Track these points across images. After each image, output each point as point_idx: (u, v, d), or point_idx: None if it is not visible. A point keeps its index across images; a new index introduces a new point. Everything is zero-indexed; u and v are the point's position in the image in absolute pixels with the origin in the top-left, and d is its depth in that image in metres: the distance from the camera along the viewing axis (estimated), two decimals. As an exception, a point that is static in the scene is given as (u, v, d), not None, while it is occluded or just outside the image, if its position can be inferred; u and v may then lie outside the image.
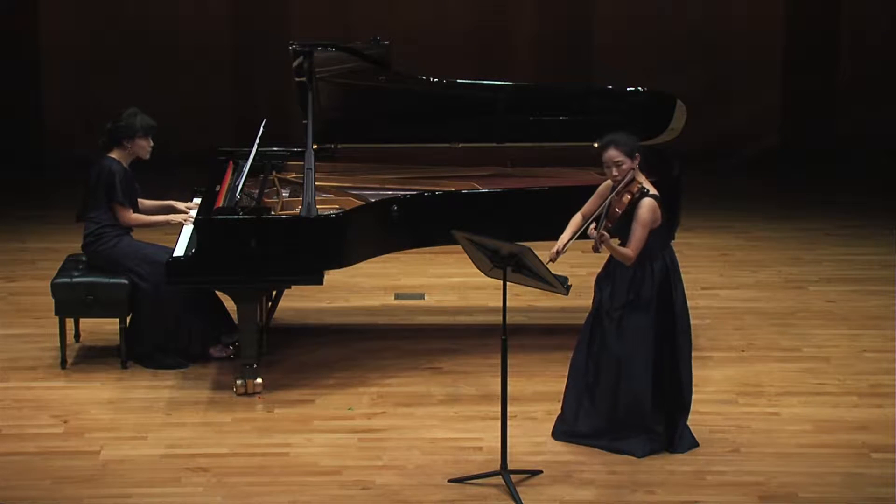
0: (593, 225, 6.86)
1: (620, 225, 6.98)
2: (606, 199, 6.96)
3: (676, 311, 7.09)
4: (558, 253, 7.06)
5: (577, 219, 7.22)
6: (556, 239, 7.23)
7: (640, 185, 6.97)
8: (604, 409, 7.16)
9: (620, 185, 6.94)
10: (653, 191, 6.99)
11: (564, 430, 7.29)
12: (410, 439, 7.36)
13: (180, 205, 8.58)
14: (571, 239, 7.11)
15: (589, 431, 7.20)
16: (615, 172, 6.97)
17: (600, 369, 7.14)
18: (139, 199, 8.41)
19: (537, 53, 12.98)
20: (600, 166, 7.22)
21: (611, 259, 7.15)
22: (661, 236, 7.06)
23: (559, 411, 7.35)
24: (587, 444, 7.20)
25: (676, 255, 7.21)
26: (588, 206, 7.22)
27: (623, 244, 6.97)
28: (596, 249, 6.89)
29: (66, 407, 7.75)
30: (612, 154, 6.96)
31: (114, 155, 8.25)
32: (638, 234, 6.93)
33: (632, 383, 7.07)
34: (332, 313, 9.28)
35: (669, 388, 7.15)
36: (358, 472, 6.99)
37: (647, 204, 6.94)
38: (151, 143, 8.29)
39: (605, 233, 6.86)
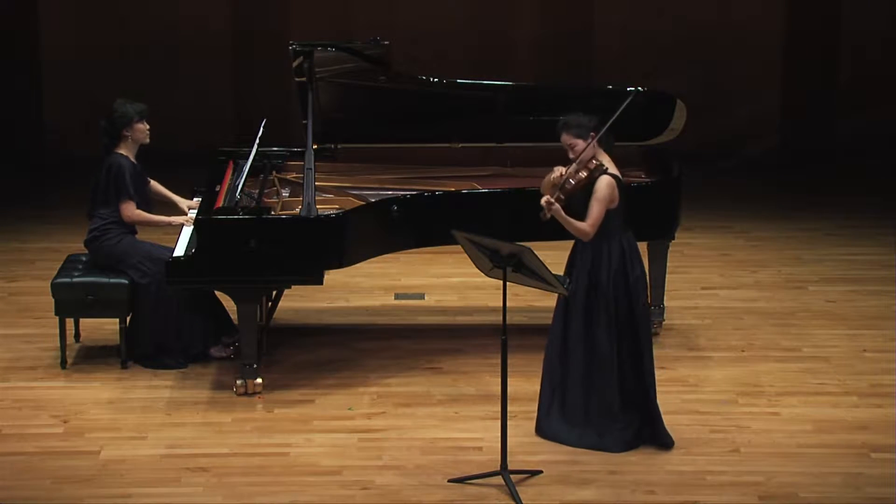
0: (546, 197, 6.91)
1: (579, 201, 7.01)
2: (563, 173, 6.99)
3: (632, 299, 7.12)
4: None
5: None
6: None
7: (598, 163, 7.03)
8: (575, 401, 7.17)
9: (576, 163, 6.98)
10: (613, 170, 7.08)
11: (543, 425, 7.29)
12: (410, 439, 7.36)
13: (183, 203, 8.60)
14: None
15: (562, 424, 7.20)
16: (572, 155, 7.08)
17: (570, 360, 7.17)
18: (151, 181, 8.46)
19: (537, 53, 12.98)
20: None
21: (573, 252, 7.20)
22: (618, 218, 7.10)
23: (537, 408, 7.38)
24: (562, 438, 7.19)
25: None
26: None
27: (580, 217, 7.03)
28: (543, 216, 6.93)
29: (66, 407, 7.75)
30: (565, 138, 7.12)
31: (121, 150, 8.27)
32: (595, 209, 7.00)
33: (601, 374, 7.09)
34: (332, 313, 9.28)
35: (633, 377, 7.15)
36: (358, 472, 6.99)
37: (605, 181, 7.02)
38: (147, 126, 8.30)
39: (555, 202, 6.92)
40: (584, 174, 6.99)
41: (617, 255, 7.10)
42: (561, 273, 7.14)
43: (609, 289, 7.08)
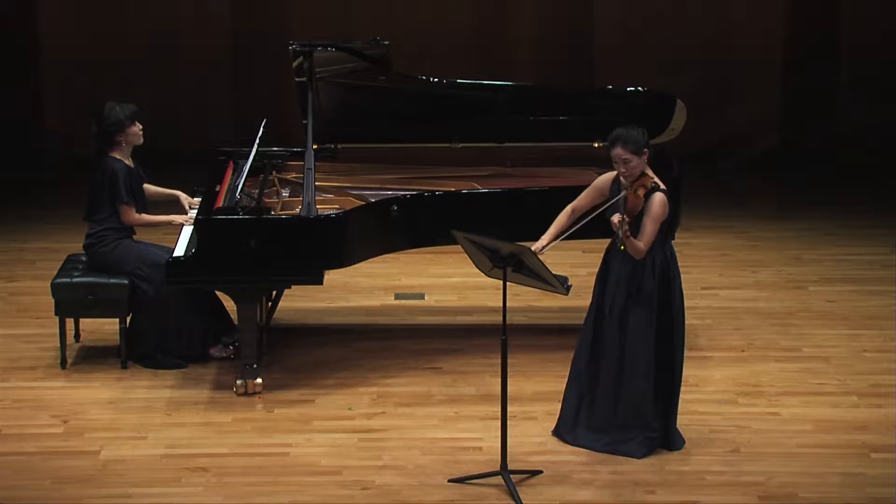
0: (617, 217, 6.83)
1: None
2: (621, 194, 6.92)
3: (674, 308, 7.09)
4: (542, 249, 7.03)
5: (566, 213, 7.18)
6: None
7: (651, 180, 6.98)
8: (604, 408, 7.16)
9: (633, 182, 6.92)
10: (661, 185, 7.01)
11: (565, 430, 7.29)
12: (410, 439, 7.36)
13: (185, 198, 8.58)
14: (555, 239, 7.05)
15: (588, 432, 7.20)
16: (623, 170, 6.97)
17: (601, 367, 7.14)
18: (145, 185, 8.43)
19: (537, 53, 12.98)
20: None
21: (609, 255, 7.16)
22: (661, 230, 7.06)
23: (559, 410, 7.36)
24: (586, 445, 7.19)
25: (678, 254, 7.20)
26: (581, 200, 7.20)
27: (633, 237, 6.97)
28: (620, 243, 6.87)
29: (66, 407, 7.75)
30: (619, 152, 6.95)
31: (115, 154, 8.25)
32: (649, 228, 6.94)
33: (634, 381, 7.07)
34: (332, 313, 9.28)
35: (665, 387, 7.14)
36: (358, 472, 6.99)
37: (658, 199, 6.96)
38: (140, 127, 8.28)
39: (627, 222, 6.84)
40: (641, 191, 6.93)
41: (660, 263, 7.06)
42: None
43: (654, 298, 7.04)
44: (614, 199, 6.93)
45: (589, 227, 7.07)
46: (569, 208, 7.21)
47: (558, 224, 7.16)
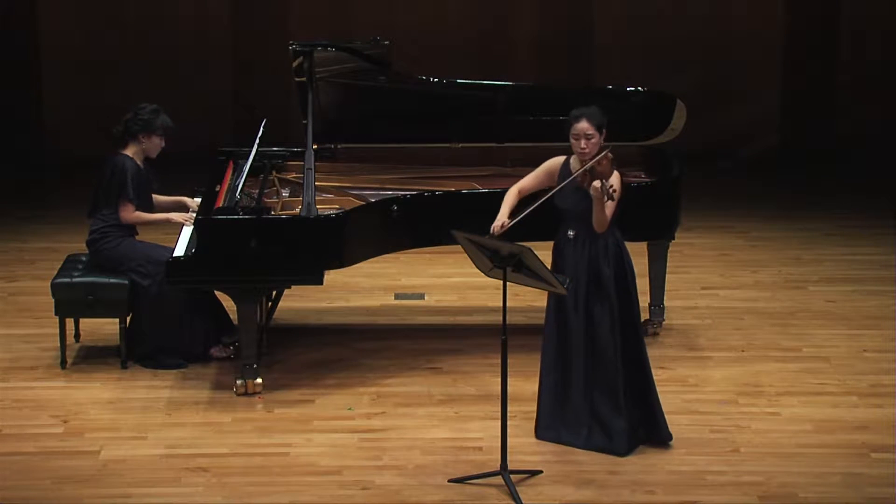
0: (598, 182, 6.83)
1: (583, 195, 7.01)
2: (576, 172, 6.97)
3: (631, 293, 7.13)
4: (503, 227, 7.06)
5: (512, 194, 7.25)
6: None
7: (612, 157, 7.04)
8: (581, 400, 7.15)
9: (597, 155, 6.95)
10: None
11: (545, 427, 7.28)
12: (410, 439, 7.36)
13: (190, 201, 8.58)
14: (513, 219, 7.10)
15: (569, 426, 7.19)
16: (583, 145, 7.04)
17: (572, 361, 7.15)
18: (154, 196, 8.43)
19: (537, 53, 12.99)
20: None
21: (558, 250, 7.19)
22: (613, 213, 7.10)
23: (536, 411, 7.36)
24: (568, 441, 7.18)
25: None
26: (528, 181, 7.29)
27: (586, 213, 7.01)
28: (610, 197, 6.86)
29: (66, 407, 7.75)
30: (585, 126, 7.04)
31: (128, 151, 8.26)
32: (610, 204, 6.99)
33: (604, 369, 7.08)
34: (332, 313, 9.28)
35: (635, 372, 7.14)
36: (358, 472, 6.99)
37: (618, 175, 7.01)
38: (163, 144, 8.30)
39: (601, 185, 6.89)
40: (608, 158, 6.99)
41: (613, 248, 7.11)
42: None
43: (611, 284, 7.08)
44: (567, 181, 6.98)
45: None
46: (514, 189, 7.26)
47: (509, 203, 7.20)
